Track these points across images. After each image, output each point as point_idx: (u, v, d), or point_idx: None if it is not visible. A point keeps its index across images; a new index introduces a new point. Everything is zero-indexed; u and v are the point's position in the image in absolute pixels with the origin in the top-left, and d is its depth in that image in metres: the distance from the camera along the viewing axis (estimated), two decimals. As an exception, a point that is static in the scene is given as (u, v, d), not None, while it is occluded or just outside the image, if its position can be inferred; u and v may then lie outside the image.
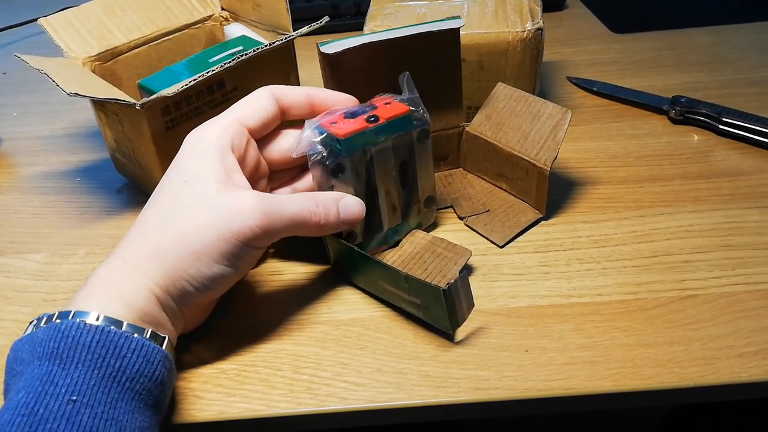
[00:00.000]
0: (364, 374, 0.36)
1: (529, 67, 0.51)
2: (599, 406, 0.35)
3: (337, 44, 0.41)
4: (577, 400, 0.35)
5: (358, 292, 0.41)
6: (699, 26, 0.73)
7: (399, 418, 0.35)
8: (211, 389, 0.36)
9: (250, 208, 0.34)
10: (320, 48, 0.41)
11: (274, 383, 0.36)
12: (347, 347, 0.38)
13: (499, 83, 0.48)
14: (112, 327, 0.30)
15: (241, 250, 0.34)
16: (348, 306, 0.40)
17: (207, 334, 0.39)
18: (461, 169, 0.51)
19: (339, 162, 0.38)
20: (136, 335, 0.31)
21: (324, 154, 0.38)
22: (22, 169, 0.57)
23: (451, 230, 0.45)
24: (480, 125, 0.48)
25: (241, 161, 0.37)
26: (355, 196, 0.39)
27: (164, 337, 0.33)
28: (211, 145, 0.36)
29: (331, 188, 0.39)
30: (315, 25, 0.47)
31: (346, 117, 0.39)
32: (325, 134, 0.38)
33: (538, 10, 0.51)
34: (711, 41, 0.69)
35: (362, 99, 0.42)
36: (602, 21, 0.76)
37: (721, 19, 0.74)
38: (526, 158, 0.45)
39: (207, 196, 0.34)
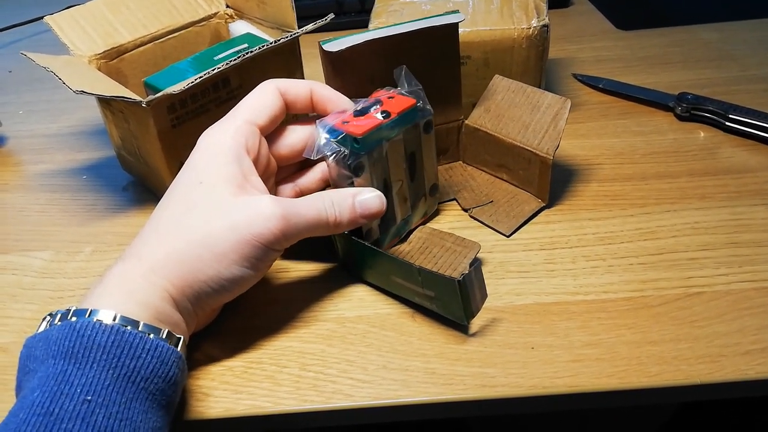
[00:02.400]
0: (370, 371, 0.36)
1: (535, 64, 0.51)
2: (605, 403, 0.35)
3: (340, 42, 0.41)
4: (582, 398, 0.34)
5: (364, 289, 0.41)
6: (705, 23, 0.72)
7: (405, 416, 0.35)
8: (218, 386, 0.36)
9: (269, 212, 0.34)
10: (323, 46, 0.41)
11: (281, 380, 0.36)
12: (353, 344, 0.38)
13: (496, 75, 0.49)
14: (128, 327, 0.30)
15: (261, 252, 0.34)
16: (354, 303, 0.40)
17: (213, 331, 0.39)
18: (461, 162, 0.51)
19: (359, 161, 0.38)
20: (151, 336, 0.31)
21: (345, 154, 0.38)
22: (29, 167, 0.58)
23: (458, 227, 0.45)
24: (479, 118, 0.48)
25: (255, 162, 0.37)
26: None
27: (179, 338, 0.33)
28: (226, 148, 0.36)
29: (351, 186, 0.39)
30: (320, 23, 0.47)
31: (356, 115, 0.39)
32: (343, 134, 0.38)
33: (544, 6, 0.51)
34: (717, 38, 0.69)
35: (364, 95, 0.42)
36: (608, 18, 0.76)
37: (728, 16, 0.73)
38: (529, 148, 0.45)
39: (224, 199, 0.35)
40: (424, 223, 0.46)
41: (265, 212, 0.34)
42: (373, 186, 0.40)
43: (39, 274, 0.45)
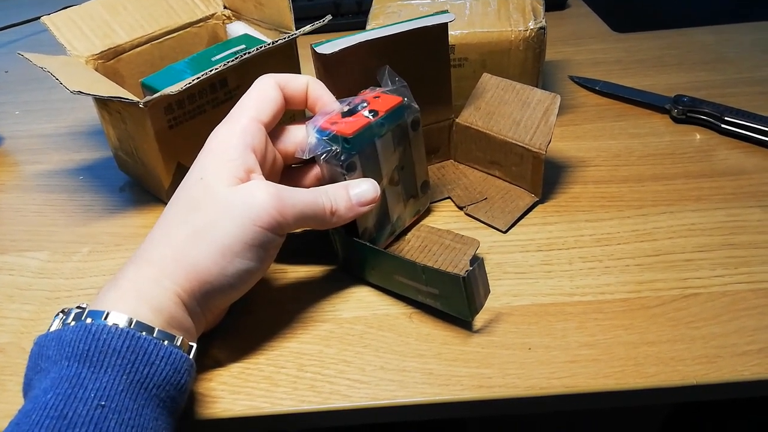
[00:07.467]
0: (368, 372, 0.36)
1: (532, 66, 0.51)
2: (602, 404, 0.35)
3: (332, 44, 0.41)
4: (579, 398, 0.35)
5: (362, 290, 0.41)
6: (701, 25, 0.73)
7: (402, 416, 0.35)
8: (215, 387, 0.36)
9: (263, 195, 0.34)
10: (315, 49, 0.41)
11: (278, 381, 0.36)
12: (351, 345, 0.38)
13: (485, 74, 0.49)
14: (143, 333, 0.30)
15: (262, 238, 0.34)
16: (351, 304, 0.40)
17: (211, 332, 0.39)
18: (452, 160, 0.52)
19: (351, 161, 0.39)
20: (166, 342, 0.31)
21: (337, 152, 0.38)
22: (25, 168, 0.57)
23: (454, 227, 0.45)
24: (470, 116, 0.49)
25: (262, 161, 0.37)
26: None
27: (191, 346, 0.33)
28: (231, 146, 0.36)
29: None
30: (318, 24, 0.47)
31: (344, 115, 0.39)
32: (332, 134, 0.38)
33: (541, 9, 0.51)
34: (713, 40, 0.69)
35: (355, 95, 0.42)
36: (604, 20, 0.76)
37: (723, 18, 0.74)
38: (521, 144, 0.45)
39: (220, 192, 0.35)
40: (417, 221, 0.46)
41: (260, 195, 0.34)
42: None
43: (35, 274, 0.45)
